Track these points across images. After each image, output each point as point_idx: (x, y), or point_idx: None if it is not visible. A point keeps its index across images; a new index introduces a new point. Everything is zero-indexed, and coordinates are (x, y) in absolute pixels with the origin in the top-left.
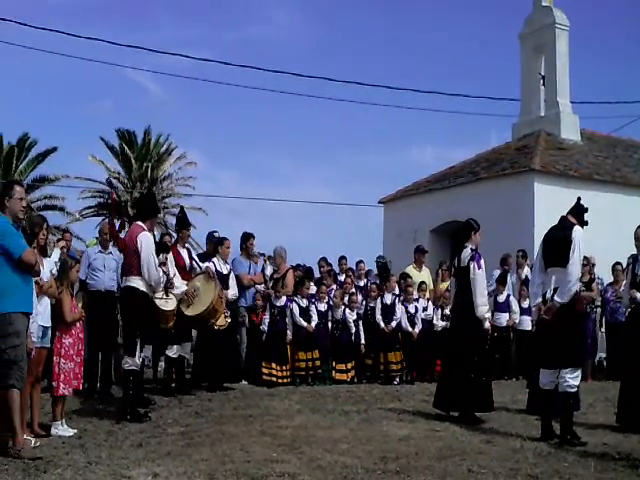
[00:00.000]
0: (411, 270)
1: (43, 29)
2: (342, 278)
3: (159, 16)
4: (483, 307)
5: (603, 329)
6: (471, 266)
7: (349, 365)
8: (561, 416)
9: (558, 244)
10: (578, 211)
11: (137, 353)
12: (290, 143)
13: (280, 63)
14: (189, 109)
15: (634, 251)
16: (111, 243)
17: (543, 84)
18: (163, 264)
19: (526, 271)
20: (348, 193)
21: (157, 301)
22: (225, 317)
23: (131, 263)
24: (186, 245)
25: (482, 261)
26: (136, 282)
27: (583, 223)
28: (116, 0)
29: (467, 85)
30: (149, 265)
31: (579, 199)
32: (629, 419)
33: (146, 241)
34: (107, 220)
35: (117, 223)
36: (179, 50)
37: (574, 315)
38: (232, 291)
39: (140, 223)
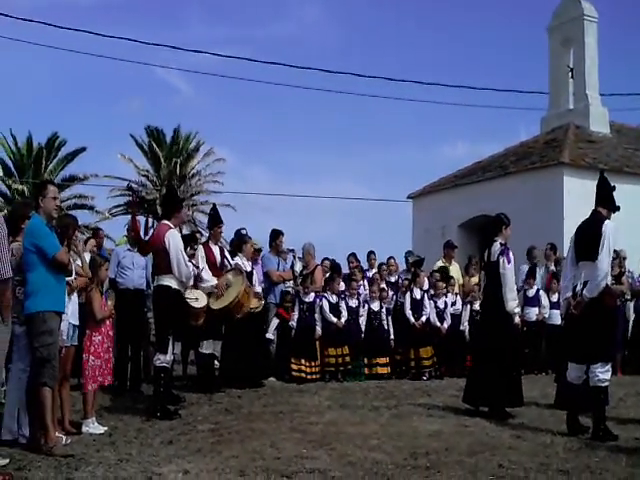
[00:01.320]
0: (439, 265)
1: (72, 29)
2: (371, 274)
3: (188, 15)
4: (513, 302)
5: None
6: (501, 260)
7: (386, 359)
8: (593, 411)
9: (589, 238)
10: (605, 195)
11: (169, 350)
12: (319, 139)
13: (308, 60)
14: (218, 107)
15: None
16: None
17: (572, 77)
18: (192, 256)
19: (554, 265)
20: (377, 189)
21: (188, 299)
22: (259, 299)
23: (161, 262)
24: (219, 243)
25: (512, 256)
26: (168, 280)
27: (614, 208)
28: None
29: (496, 79)
30: (179, 262)
31: (602, 173)
32: None
33: (173, 239)
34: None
35: (141, 224)
36: (208, 48)
37: (604, 309)
38: (257, 288)
39: (166, 222)
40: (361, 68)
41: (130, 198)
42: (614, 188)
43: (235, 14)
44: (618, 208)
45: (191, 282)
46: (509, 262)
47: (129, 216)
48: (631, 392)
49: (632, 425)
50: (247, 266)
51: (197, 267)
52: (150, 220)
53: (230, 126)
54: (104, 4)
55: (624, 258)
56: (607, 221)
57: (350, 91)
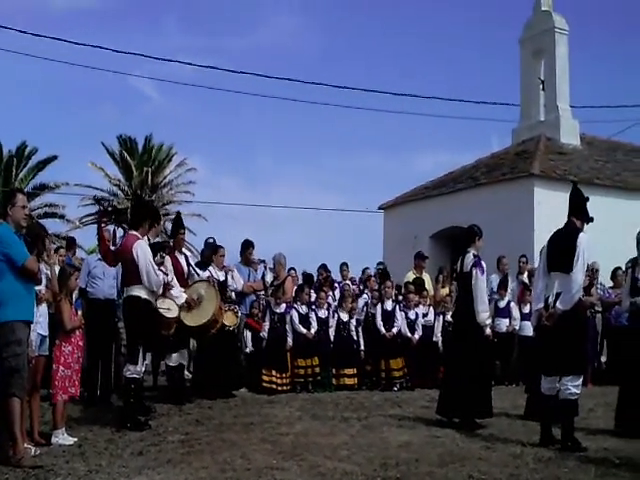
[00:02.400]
0: (411, 276)
1: (43, 36)
2: (342, 284)
3: (165, 24)
4: (484, 314)
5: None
6: (473, 272)
7: (353, 370)
8: (562, 422)
9: (562, 249)
10: (579, 206)
11: (139, 361)
12: (290, 149)
13: (286, 69)
14: (191, 117)
15: (635, 255)
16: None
17: (543, 89)
18: (161, 264)
19: (526, 276)
20: (348, 199)
21: (160, 309)
22: (235, 314)
23: (130, 273)
24: (183, 251)
25: (484, 267)
26: (137, 291)
27: (588, 220)
28: (120, 7)
29: (468, 90)
30: (148, 272)
31: (575, 184)
32: (628, 423)
33: (141, 249)
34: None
35: (110, 234)
36: (185, 58)
37: (576, 321)
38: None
39: (134, 232)
40: (336, 77)
41: (99, 207)
42: (587, 199)
43: (212, 23)
44: (591, 219)
45: (161, 290)
46: (482, 273)
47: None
48: (600, 403)
49: (601, 435)
50: (220, 275)
51: (166, 274)
52: (120, 230)
53: (203, 136)
54: (76, 10)
55: (596, 270)
56: (582, 234)
57: (323, 101)
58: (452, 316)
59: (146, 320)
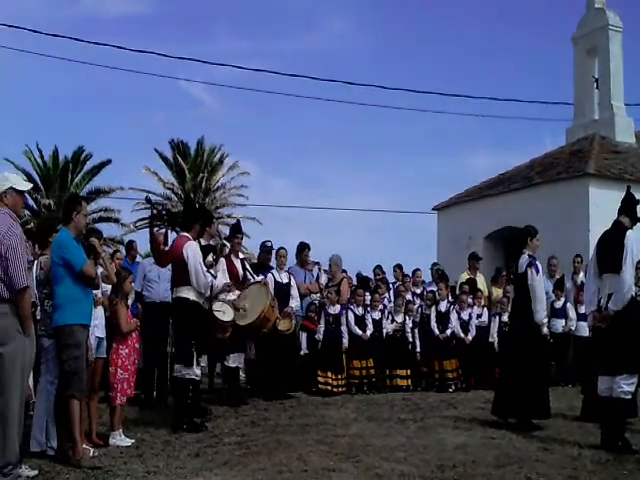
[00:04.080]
0: (465, 277)
1: (97, 43)
2: (397, 285)
3: (216, 28)
4: (541, 313)
5: None
6: (529, 272)
7: (407, 372)
8: (614, 422)
9: (611, 249)
10: (629, 206)
11: (194, 363)
12: (342, 151)
13: (337, 72)
14: (242, 120)
15: None
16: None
17: (597, 87)
18: (212, 266)
19: (582, 276)
20: (402, 200)
21: (215, 312)
22: (290, 320)
23: (180, 274)
24: (240, 255)
25: (540, 267)
26: (186, 292)
27: (637, 219)
28: (173, 13)
29: (521, 90)
30: (197, 273)
31: (628, 188)
32: None
33: (192, 250)
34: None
35: (160, 236)
36: (236, 61)
37: (629, 320)
38: (294, 302)
39: (184, 233)
40: (389, 80)
41: (151, 210)
42: (639, 202)
43: (263, 27)
44: (639, 219)
45: (208, 292)
46: (537, 273)
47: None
48: None
49: None
50: (284, 278)
51: (214, 276)
52: (173, 233)
53: (254, 139)
54: (128, 17)
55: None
56: (629, 231)
57: (374, 102)
58: (509, 317)
59: (196, 321)
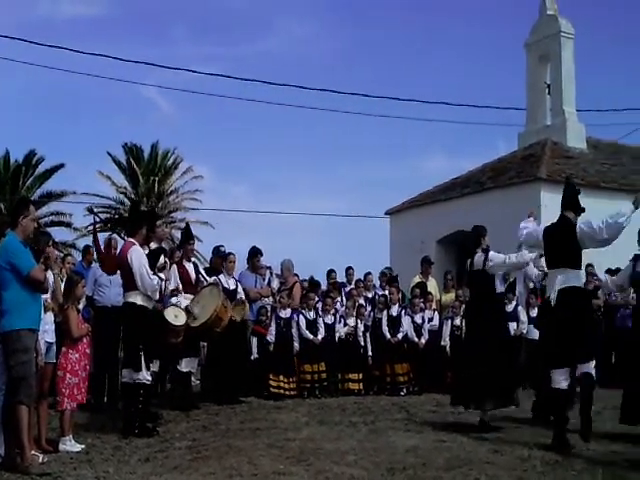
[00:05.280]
0: (416, 281)
1: (50, 46)
2: (348, 289)
3: (175, 31)
4: (522, 256)
5: None
6: (487, 260)
7: (359, 375)
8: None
9: (562, 245)
10: (570, 199)
11: (143, 367)
12: (298, 155)
13: (293, 76)
14: (198, 124)
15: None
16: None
17: (549, 93)
18: (163, 268)
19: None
20: (355, 205)
21: (168, 317)
22: (243, 307)
23: (127, 279)
24: (192, 259)
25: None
26: (134, 297)
27: (580, 211)
28: (128, 15)
29: (474, 95)
30: (142, 276)
31: (567, 180)
32: (632, 417)
33: (136, 254)
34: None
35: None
36: (194, 65)
37: (581, 312)
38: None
39: (130, 239)
40: (343, 84)
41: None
42: (579, 191)
43: (221, 31)
44: (583, 210)
45: (157, 295)
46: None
47: (106, 233)
48: (608, 405)
49: (609, 438)
50: (231, 284)
51: (162, 279)
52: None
53: (210, 143)
54: (82, 19)
55: (591, 273)
56: (578, 225)
57: (331, 107)
58: (466, 317)
59: (143, 325)
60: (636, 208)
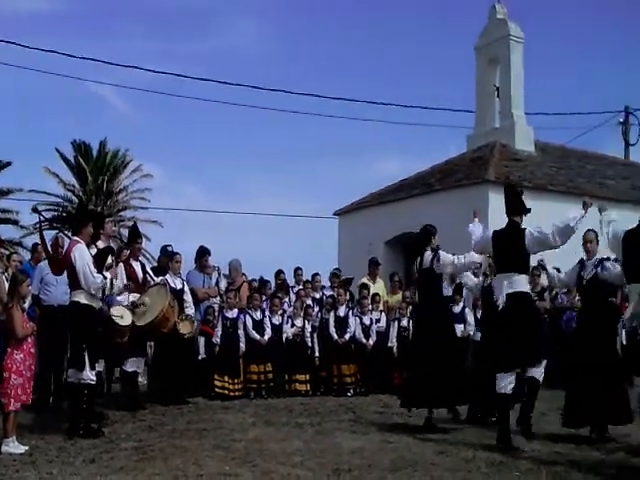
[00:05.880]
0: (365, 282)
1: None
2: (297, 290)
3: (123, 28)
4: (470, 256)
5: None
6: (434, 263)
7: (306, 376)
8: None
9: (510, 250)
10: (513, 202)
11: (87, 367)
12: (251, 156)
13: (245, 75)
14: (150, 123)
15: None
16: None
17: (498, 96)
18: (111, 267)
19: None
20: (309, 205)
21: (113, 317)
22: (192, 323)
23: (72, 278)
24: (139, 259)
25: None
26: (78, 296)
27: (526, 211)
28: (76, 11)
29: (425, 97)
30: (85, 275)
31: (505, 185)
32: (575, 421)
33: (79, 252)
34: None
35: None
36: (143, 63)
37: (526, 316)
38: (190, 310)
39: (75, 238)
40: (294, 83)
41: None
42: (522, 192)
43: (171, 29)
44: (529, 210)
45: (100, 293)
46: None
47: (54, 231)
48: (553, 407)
49: (553, 439)
50: (177, 284)
51: (105, 277)
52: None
53: (162, 143)
54: (30, 14)
55: (538, 275)
56: (527, 230)
57: (282, 107)
58: (415, 315)
59: (87, 325)
60: (585, 212)
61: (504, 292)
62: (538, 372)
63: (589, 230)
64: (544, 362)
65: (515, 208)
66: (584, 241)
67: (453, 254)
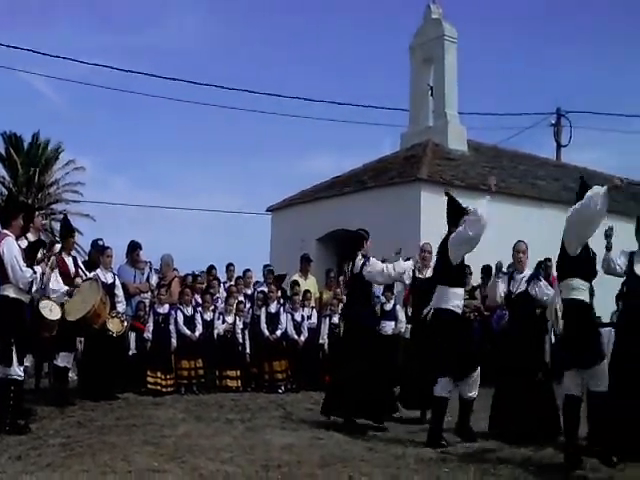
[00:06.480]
0: (297, 279)
1: None
2: (228, 286)
3: (59, 19)
4: (399, 266)
5: None
6: (364, 269)
7: (237, 372)
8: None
9: (439, 262)
10: (452, 215)
11: (15, 362)
12: (186, 151)
13: (184, 69)
14: (83, 116)
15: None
16: None
17: (431, 95)
18: (42, 261)
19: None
20: (243, 201)
21: (42, 310)
22: (121, 322)
23: (1, 272)
24: (72, 253)
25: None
26: (7, 290)
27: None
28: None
29: (361, 95)
30: (13, 268)
31: (447, 194)
32: (500, 429)
33: (7, 246)
34: None
35: None
36: (80, 55)
37: (445, 330)
38: (121, 307)
39: (4, 231)
40: (231, 79)
41: None
42: (463, 208)
43: (111, 21)
44: (467, 213)
45: (28, 287)
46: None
47: None
48: (486, 405)
49: (483, 436)
50: (108, 278)
51: (35, 271)
52: None
53: (98, 137)
54: None
55: (470, 274)
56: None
57: (218, 103)
58: (343, 317)
59: (14, 319)
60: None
61: (431, 305)
62: (470, 391)
63: (520, 241)
64: (477, 374)
65: (453, 220)
66: (515, 251)
67: (384, 260)
